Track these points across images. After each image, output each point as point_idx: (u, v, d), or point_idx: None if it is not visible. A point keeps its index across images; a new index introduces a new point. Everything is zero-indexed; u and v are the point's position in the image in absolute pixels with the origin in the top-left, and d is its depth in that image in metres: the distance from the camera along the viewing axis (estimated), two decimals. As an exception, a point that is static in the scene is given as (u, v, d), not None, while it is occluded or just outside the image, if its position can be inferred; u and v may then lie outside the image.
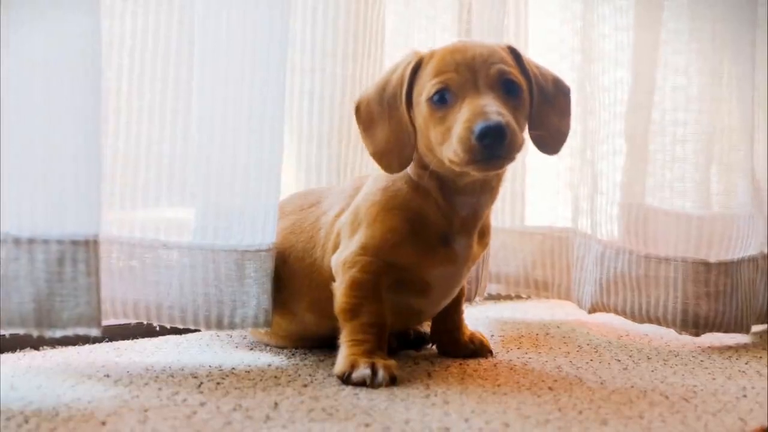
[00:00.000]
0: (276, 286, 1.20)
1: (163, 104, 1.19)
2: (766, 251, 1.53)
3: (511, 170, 1.63)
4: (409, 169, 1.15)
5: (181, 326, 1.20)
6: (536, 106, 1.13)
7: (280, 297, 1.21)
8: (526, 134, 1.12)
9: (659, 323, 1.45)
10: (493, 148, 1.02)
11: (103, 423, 0.90)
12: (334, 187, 1.32)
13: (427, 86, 1.09)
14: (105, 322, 1.28)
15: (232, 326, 1.19)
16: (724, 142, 1.50)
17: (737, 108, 1.49)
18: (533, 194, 1.69)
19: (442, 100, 1.07)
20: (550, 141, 1.16)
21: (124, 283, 1.17)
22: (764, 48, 1.59)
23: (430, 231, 1.14)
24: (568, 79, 1.57)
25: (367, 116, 1.14)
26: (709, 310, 1.43)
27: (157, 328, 1.24)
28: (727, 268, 1.44)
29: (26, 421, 0.89)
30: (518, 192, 1.65)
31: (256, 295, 1.18)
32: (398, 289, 1.16)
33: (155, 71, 1.19)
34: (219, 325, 1.18)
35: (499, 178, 1.16)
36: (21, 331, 1.02)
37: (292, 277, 1.21)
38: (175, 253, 1.17)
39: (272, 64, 1.17)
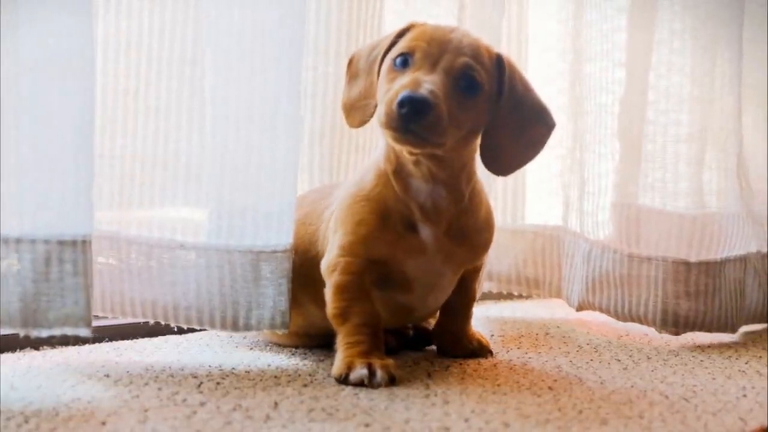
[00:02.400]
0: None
1: (179, 103, 1.20)
2: (764, 251, 1.54)
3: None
4: (382, 155, 1.15)
5: (198, 327, 1.20)
6: (500, 120, 1.12)
7: (291, 288, 1.21)
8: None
9: (641, 322, 1.46)
10: (408, 119, 1.02)
11: (103, 423, 0.90)
12: (343, 182, 1.33)
13: (396, 47, 1.11)
14: (109, 322, 1.30)
15: (248, 328, 1.19)
16: (712, 141, 1.50)
17: (725, 108, 1.49)
18: (529, 193, 1.69)
19: (404, 63, 1.09)
20: (502, 161, 1.15)
21: (142, 283, 1.18)
22: (764, 48, 1.59)
23: (395, 218, 1.14)
24: (566, 79, 1.59)
25: (354, 70, 1.18)
26: (689, 309, 1.43)
27: (175, 328, 1.24)
28: (708, 267, 1.44)
29: (26, 421, 0.89)
30: (510, 190, 1.65)
31: (272, 296, 1.18)
32: (383, 286, 1.16)
33: (171, 70, 1.20)
34: (235, 327, 1.19)
35: (451, 174, 1.13)
36: (7, 331, 1.02)
37: (299, 268, 1.21)
38: (193, 254, 1.18)
39: (286, 63, 1.17)
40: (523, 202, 1.67)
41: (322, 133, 1.42)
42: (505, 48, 1.57)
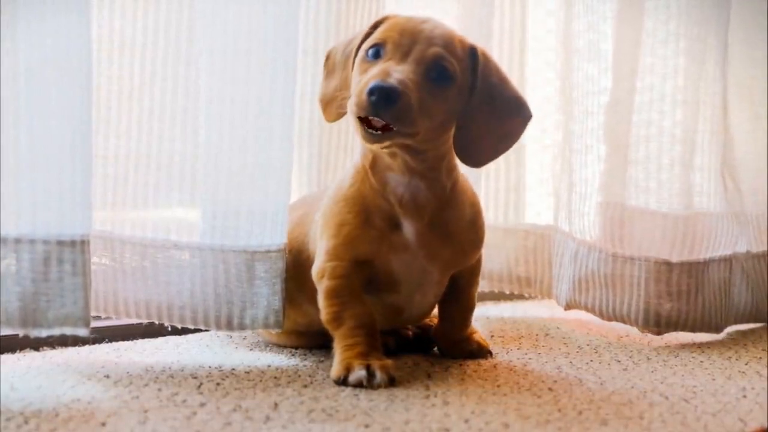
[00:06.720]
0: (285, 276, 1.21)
1: (174, 103, 1.20)
2: (753, 251, 1.54)
3: (493, 168, 1.63)
4: (360, 152, 1.16)
5: (192, 326, 1.20)
6: (473, 111, 1.12)
7: (287, 287, 1.21)
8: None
9: (624, 321, 1.46)
10: (377, 107, 1.02)
11: (103, 423, 0.90)
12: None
13: (369, 39, 1.11)
14: (109, 323, 1.30)
15: (242, 327, 1.20)
16: (697, 142, 1.50)
17: (710, 109, 1.50)
18: (529, 193, 1.69)
19: (376, 54, 1.09)
20: (474, 152, 1.14)
21: (136, 283, 1.18)
22: (756, 47, 1.60)
23: (376, 215, 1.14)
24: (562, 78, 1.59)
25: (331, 65, 1.19)
26: (671, 309, 1.43)
27: (169, 328, 1.24)
28: (691, 267, 1.44)
29: (26, 422, 0.89)
30: (503, 189, 1.65)
31: (266, 296, 1.19)
32: (371, 288, 1.16)
33: (166, 70, 1.20)
34: (229, 326, 1.19)
35: (429, 166, 1.13)
36: (6, 331, 1.03)
37: (294, 269, 1.22)
38: (187, 254, 1.18)
39: (281, 63, 1.18)
40: (522, 202, 1.67)
41: (310, 133, 1.42)
42: (497, 46, 1.57)
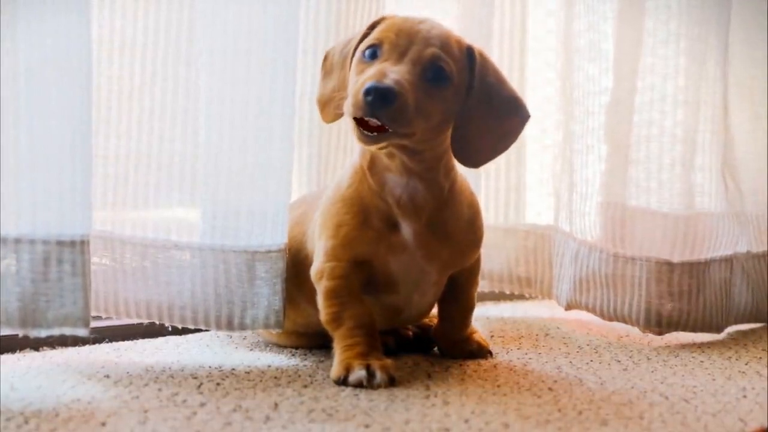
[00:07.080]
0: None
1: (174, 103, 1.20)
2: (754, 251, 1.54)
3: (493, 168, 1.63)
4: (359, 151, 1.15)
5: (192, 326, 1.20)
6: (471, 111, 1.11)
7: (286, 287, 1.21)
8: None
9: (625, 321, 1.46)
10: (374, 108, 1.02)
11: (103, 423, 0.90)
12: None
13: (366, 40, 1.11)
14: (109, 323, 1.30)
15: (242, 327, 1.20)
16: (698, 142, 1.50)
17: (711, 109, 1.50)
18: (529, 193, 1.69)
19: (373, 55, 1.09)
20: (472, 152, 1.14)
21: (137, 283, 1.18)
22: (764, 49, 1.60)
23: (374, 215, 1.14)
24: (563, 78, 1.59)
25: (329, 65, 1.18)
26: (672, 309, 1.44)
27: (169, 328, 1.24)
28: (692, 268, 1.45)
29: (26, 422, 0.89)
30: (503, 189, 1.65)
31: (267, 296, 1.19)
32: (369, 288, 1.16)
33: (166, 70, 1.20)
34: (230, 326, 1.19)
35: (426, 167, 1.13)
36: (6, 331, 1.03)
37: (294, 267, 1.22)
38: (187, 254, 1.18)
39: (281, 64, 1.18)
40: (522, 202, 1.67)
41: (310, 133, 1.42)
42: (497, 46, 1.57)
